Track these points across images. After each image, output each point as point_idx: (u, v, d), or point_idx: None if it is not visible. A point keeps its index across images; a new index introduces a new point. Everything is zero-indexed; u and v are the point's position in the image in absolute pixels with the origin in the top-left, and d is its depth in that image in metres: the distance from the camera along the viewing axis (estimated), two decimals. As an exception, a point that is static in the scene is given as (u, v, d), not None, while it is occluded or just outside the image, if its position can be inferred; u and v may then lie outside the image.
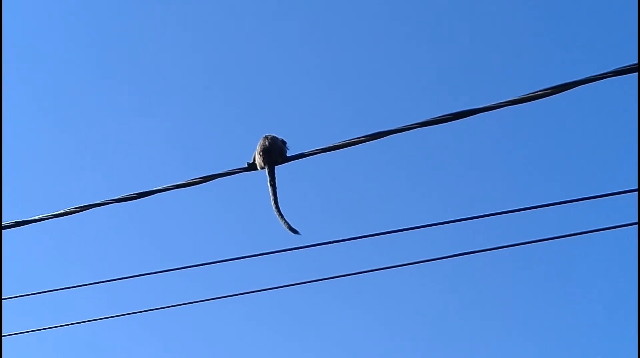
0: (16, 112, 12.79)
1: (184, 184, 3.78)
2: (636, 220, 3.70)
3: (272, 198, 3.98)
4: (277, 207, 3.98)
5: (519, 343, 12.25)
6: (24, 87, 13.13)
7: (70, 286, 4.21)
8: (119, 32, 13.11)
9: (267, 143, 3.97)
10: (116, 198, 3.85)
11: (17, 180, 12.87)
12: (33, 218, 3.98)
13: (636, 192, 3.53)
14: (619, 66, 3.09)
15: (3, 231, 4.01)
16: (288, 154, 3.97)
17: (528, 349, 12.08)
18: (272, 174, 3.95)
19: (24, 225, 4.01)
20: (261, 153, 3.95)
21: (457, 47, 13.04)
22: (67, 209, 3.91)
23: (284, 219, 3.98)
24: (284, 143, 4.08)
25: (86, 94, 13.07)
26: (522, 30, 12.92)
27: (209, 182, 3.77)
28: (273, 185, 3.96)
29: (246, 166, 3.92)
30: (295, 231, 3.94)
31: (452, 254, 3.91)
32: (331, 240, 3.83)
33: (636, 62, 3.06)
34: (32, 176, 13.20)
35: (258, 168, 3.96)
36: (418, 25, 13.12)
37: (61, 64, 13.14)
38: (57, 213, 3.93)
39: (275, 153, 3.96)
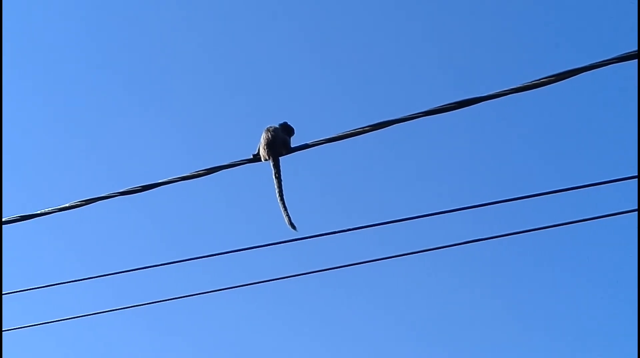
0: (21, 107, 12.79)
1: (188, 176, 3.79)
2: (636, 207, 3.72)
3: (277, 190, 4.00)
4: (282, 199, 4.01)
5: (520, 333, 12.29)
6: (28, 82, 13.12)
7: (76, 279, 4.22)
8: (124, 25, 13.10)
9: (270, 135, 3.99)
10: (121, 190, 3.86)
11: (22, 174, 12.88)
12: (38, 212, 3.99)
13: (636, 179, 3.55)
14: (620, 53, 3.11)
15: (9, 225, 4.02)
16: (293, 142, 4.00)
17: (530, 339, 12.13)
18: (277, 166, 3.98)
19: (29, 218, 4.02)
20: (265, 147, 3.97)
21: (460, 36, 13.06)
22: (72, 203, 3.92)
23: (287, 213, 4.00)
24: (291, 129, 4.09)
25: (90, 87, 13.07)
26: (524, 18, 12.93)
27: (213, 174, 3.78)
28: (278, 177, 3.99)
29: (251, 157, 3.94)
30: (293, 227, 3.97)
31: (456, 243, 3.93)
32: (336, 230, 3.85)
33: (636, 49, 3.07)
34: (37, 170, 13.20)
35: (262, 160, 3.98)
36: (420, 15, 13.13)
37: (66, 57, 13.13)
38: (62, 206, 3.94)
39: (278, 145, 3.98)
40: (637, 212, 3.73)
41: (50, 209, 3.98)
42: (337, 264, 4.03)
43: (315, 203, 12.02)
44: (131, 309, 4.35)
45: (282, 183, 4.01)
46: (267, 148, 3.97)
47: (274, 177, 3.99)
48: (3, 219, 4.04)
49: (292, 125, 4.13)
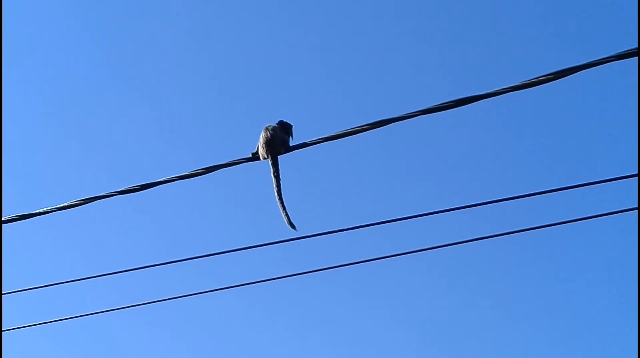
0: (19, 107, 12.79)
1: (187, 175, 3.78)
2: (636, 205, 3.71)
3: (275, 189, 4.00)
4: (280, 199, 4.00)
5: (520, 333, 12.28)
6: (27, 82, 13.12)
7: (76, 279, 4.22)
8: (123, 24, 13.10)
9: (268, 134, 3.99)
10: (120, 189, 3.86)
11: (22, 174, 12.88)
12: (37, 211, 3.98)
13: (636, 177, 3.55)
14: (620, 51, 3.10)
15: (8, 224, 4.02)
16: (292, 141, 3.99)
17: (530, 339, 12.12)
18: (275, 165, 3.97)
19: (28, 218, 4.02)
20: (264, 146, 3.97)
21: (458, 34, 13.05)
22: (71, 202, 3.91)
23: (286, 212, 4.00)
24: (289, 126, 4.09)
25: (88, 86, 13.07)
26: (523, 16, 12.92)
27: (212, 173, 3.77)
28: (277, 177, 3.98)
29: (250, 156, 3.93)
30: (293, 226, 3.96)
31: (455, 242, 3.93)
32: (335, 229, 3.85)
33: (636, 46, 3.07)
34: (36, 169, 13.20)
35: (261, 159, 3.98)
36: (418, 13, 13.13)
37: (64, 57, 13.13)
38: (61, 205, 3.93)
39: (277, 144, 3.97)
40: (637, 211, 3.72)
41: (49, 208, 3.97)
42: (336, 263, 4.03)
43: (314, 202, 12.02)
44: (130, 308, 4.35)
45: (281, 182, 4.00)
46: (265, 147, 3.96)
47: (272, 176, 3.99)
48: (2, 219, 4.04)
49: (289, 121, 4.13)
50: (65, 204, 3.93)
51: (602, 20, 12.43)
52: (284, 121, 4.14)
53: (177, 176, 3.80)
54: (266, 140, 3.97)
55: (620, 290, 12.20)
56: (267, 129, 4.02)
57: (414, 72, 13.19)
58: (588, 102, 12.43)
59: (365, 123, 3.50)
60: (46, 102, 13.11)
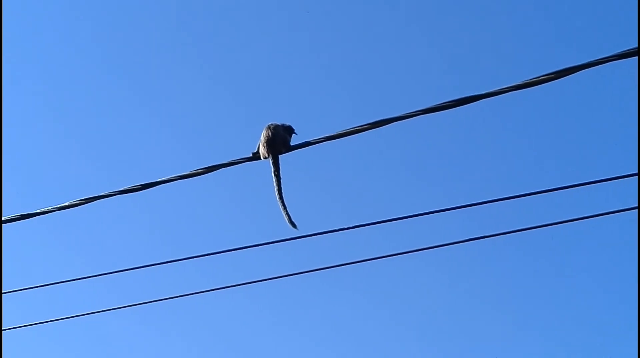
0: (20, 106, 12.78)
1: (188, 174, 3.79)
2: (636, 205, 3.72)
3: (276, 188, 3.99)
4: (280, 198, 4.00)
5: (520, 330, 12.28)
6: (27, 81, 13.11)
7: (76, 278, 4.22)
8: (124, 24, 13.10)
9: (270, 133, 3.98)
10: (120, 189, 3.86)
11: (22, 173, 12.88)
12: (38, 211, 3.98)
13: (636, 177, 3.55)
14: (620, 50, 3.10)
15: (9, 224, 4.02)
16: (293, 141, 3.99)
17: (531, 339, 12.12)
18: (276, 164, 3.97)
19: (29, 217, 4.02)
20: (265, 144, 3.96)
21: (459, 33, 13.05)
22: (72, 202, 3.91)
23: (286, 211, 4.00)
24: (290, 128, 4.08)
25: (89, 86, 13.07)
26: (523, 15, 12.91)
27: (213, 172, 3.78)
28: (277, 176, 3.98)
29: (251, 155, 3.93)
30: (294, 225, 3.96)
31: (456, 241, 3.93)
32: (336, 228, 3.85)
33: (636, 46, 3.07)
34: (37, 169, 13.20)
35: (262, 158, 3.97)
36: (419, 12, 13.12)
37: (64, 56, 13.13)
38: (62, 205, 3.94)
39: (278, 143, 3.97)
40: (637, 210, 3.73)
41: (50, 208, 3.97)
42: (336, 263, 4.03)
43: (314, 201, 12.03)
44: (131, 308, 4.36)
45: (282, 181, 4.00)
46: (266, 146, 3.96)
47: (273, 175, 3.98)
48: (3, 218, 4.04)
49: (294, 128, 4.12)
50: (66, 204, 3.93)
51: (602, 20, 12.43)
52: (290, 125, 4.13)
53: (178, 176, 3.80)
54: (267, 139, 3.97)
55: (620, 290, 12.21)
56: (268, 127, 4.01)
57: (415, 72, 13.20)
58: (588, 102, 12.43)
59: (365, 123, 3.50)
60: (46, 101, 13.12)
